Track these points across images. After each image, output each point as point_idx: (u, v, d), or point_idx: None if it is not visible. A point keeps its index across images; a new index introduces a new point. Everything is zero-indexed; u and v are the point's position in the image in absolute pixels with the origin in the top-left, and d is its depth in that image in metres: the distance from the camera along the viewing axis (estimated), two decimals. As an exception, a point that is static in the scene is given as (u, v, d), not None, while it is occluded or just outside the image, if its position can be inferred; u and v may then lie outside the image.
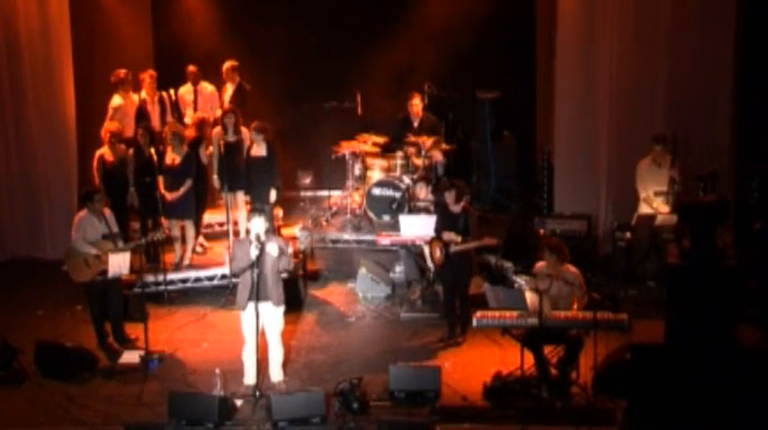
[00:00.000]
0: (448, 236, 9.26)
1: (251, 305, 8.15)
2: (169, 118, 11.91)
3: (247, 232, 8.48)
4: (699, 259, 7.73)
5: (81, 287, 9.40)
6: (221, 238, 11.58)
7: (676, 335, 7.73)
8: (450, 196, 9.34)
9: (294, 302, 9.92)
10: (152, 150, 10.71)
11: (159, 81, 12.03)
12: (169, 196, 10.64)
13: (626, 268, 10.61)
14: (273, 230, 10.41)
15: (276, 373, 8.51)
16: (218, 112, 11.67)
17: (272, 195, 10.68)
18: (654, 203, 10.52)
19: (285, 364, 8.66)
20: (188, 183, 10.68)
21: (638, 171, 10.65)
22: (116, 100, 11.72)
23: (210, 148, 11.15)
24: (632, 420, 7.57)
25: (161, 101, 12.00)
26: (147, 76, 11.91)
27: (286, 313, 8.52)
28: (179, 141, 10.71)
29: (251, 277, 8.10)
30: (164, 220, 10.76)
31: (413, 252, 10.78)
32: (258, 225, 8.13)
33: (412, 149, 11.60)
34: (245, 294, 8.21)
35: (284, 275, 8.46)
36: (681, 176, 10.43)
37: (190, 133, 11.20)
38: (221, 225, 11.65)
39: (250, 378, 8.39)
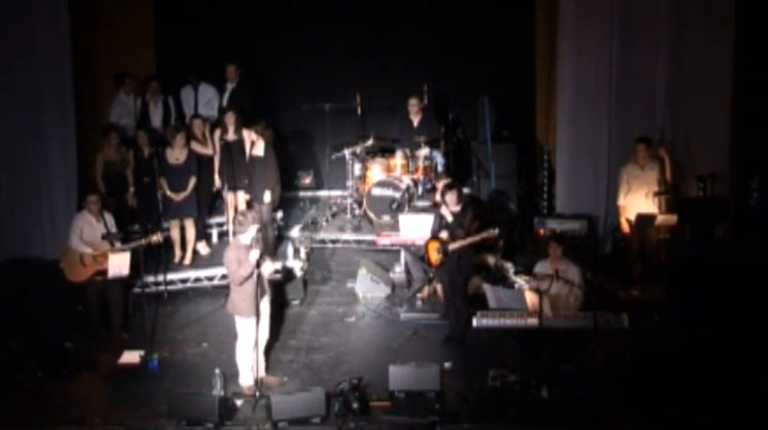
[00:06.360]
0: (447, 235, 9.25)
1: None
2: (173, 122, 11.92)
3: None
4: (699, 258, 7.75)
5: (79, 286, 9.40)
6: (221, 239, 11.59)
7: (676, 334, 7.74)
8: (452, 197, 9.34)
9: (294, 302, 9.98)
10: (152, 151, 10.71)
11: (161, 83, 12.03)
12: (176, 197, 10.64)
13: (626, 268, 10.61)
14: (274, 231, 10.40)
15: (262, 367, 8.46)
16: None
17: (266, 196, 10.65)
18: (630, 214, 10.45)
19: (285, 364, 8.64)
20: (193, 180, 10.70)
21: (619, 175, 10.61)
22: (115, 101, 11.72)
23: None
24: (633, 420, 7.58)
25: (165, 104, 11.99)
26: (153, 81, 11.91)
27: (286, 313, 8.50)
28: (181, 141, 10.70)
29: (253, 286, 8.13)
30: (164, 222, 10.76)
31: (415, 253, 10.76)
32: (246, 239, 8.14)
33: (411, 150, 11.60)
34: (251, 303, 8.19)
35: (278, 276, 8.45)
36: (671, 176, 10.39)
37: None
38: (221, 225, 11.63)
39: (249, 378, 8.39)
